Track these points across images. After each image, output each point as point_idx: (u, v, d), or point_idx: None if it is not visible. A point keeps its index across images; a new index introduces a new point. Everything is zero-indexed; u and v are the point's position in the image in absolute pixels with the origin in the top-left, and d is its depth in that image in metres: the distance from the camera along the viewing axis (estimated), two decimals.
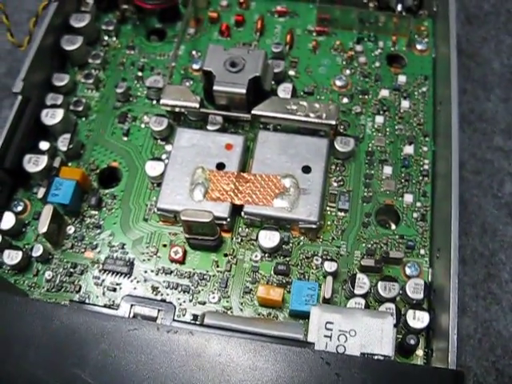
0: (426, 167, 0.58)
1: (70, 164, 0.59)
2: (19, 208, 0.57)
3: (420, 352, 0.49)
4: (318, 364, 0.41)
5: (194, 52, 0.65)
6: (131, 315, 0.46)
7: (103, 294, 0.53)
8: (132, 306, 0.47)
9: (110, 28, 0.66)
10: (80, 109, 0.61)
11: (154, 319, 0.46)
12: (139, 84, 0.64)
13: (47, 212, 0.53)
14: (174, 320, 0.46)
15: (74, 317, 0.43)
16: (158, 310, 0.46)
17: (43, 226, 0.53)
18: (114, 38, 0.67)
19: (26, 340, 0.42)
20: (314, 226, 0.53)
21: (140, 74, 0.64)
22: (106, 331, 0.42)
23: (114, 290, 0.53)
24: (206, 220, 0.50)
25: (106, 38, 0.67)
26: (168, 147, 0.59)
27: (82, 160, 0.59)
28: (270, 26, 0.67)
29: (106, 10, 0.68)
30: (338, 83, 0.62)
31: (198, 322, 0.50)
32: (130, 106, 0.62)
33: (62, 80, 0.62)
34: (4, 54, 0.79)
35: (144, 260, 0.54)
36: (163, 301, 0.49)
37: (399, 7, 0.65)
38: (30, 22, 0.60)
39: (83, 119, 0.62)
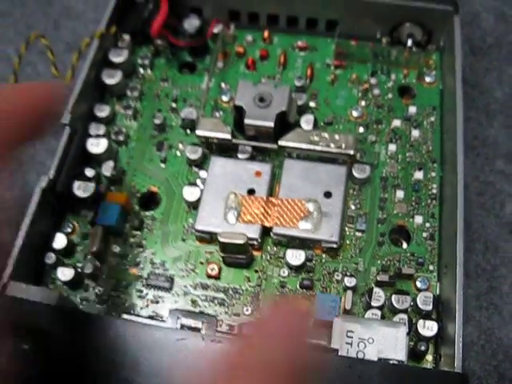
0: (434, 191, 0.62)
1: (112, 188, 0.64)
2: (68, 229, 0.62)
3: (429, 357, 0.54)
4: (342, 367, 0.46)
5: (222, 84, 0.71)
6: (178, 326, 0.52)
7: (147, 306, 0.58)
8: (178, 318, 0.53)
9: (146, 62, 0.72)
10: (121, 138, 0.67)
11: (199, 330, 0.52)
12: (173, 114, 0.69)
13: (97, 233, 0.60)
14: (216, 331, 0.52)
15: (126, 328, 0.48)
16: (202, 322, 0.52)
17: (93, 245, 0.59)
18: (149, 71, 0.72)
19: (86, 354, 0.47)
20: (334, 246, 0.58)
21: (174, 105, 0.69)
22: (157, 341, 0.47)
23: (157, 302, 0.58)
24: (240, 242, 0.56)
25: (141, 70, 0.72)
26: (202, 173, 0.64)
27: (123, 185, 0.65)
28: (291, 60, 0.72)
29: (140, 44, 0.73)
30: (355, 114, 0.67)
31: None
32: (166, 135, 0.68)
33: (103, 111, 0.68)
34: None
35: (183, 276, 0.59)
36: (206, 314, 0.55)
37: (409, 42, 0.70)
38: (73, 57, 0.65)
39: (123, 147, 0.67)
